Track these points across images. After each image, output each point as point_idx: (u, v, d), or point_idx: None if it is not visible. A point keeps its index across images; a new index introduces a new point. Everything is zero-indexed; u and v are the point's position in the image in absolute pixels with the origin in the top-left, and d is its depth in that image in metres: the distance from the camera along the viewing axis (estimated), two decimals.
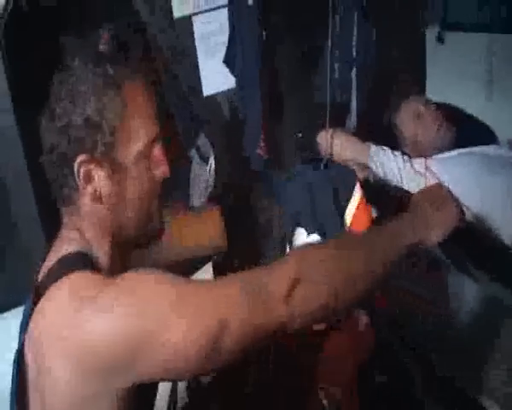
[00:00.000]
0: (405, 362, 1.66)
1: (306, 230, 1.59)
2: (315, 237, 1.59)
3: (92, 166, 1.02)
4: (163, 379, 1.05)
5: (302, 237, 1.64)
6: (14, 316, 1.10)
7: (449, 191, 1.31)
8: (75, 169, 1.01)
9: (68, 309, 0.92)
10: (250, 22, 1.78)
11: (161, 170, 1.09)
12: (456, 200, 1.30)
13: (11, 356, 1.02)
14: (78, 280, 0.96)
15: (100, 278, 0.97)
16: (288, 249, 1.63)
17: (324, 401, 1.40)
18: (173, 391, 1.51)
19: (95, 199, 1.03)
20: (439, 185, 1.36)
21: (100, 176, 1.02)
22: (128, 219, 1.07)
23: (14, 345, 1.01)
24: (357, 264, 1.09)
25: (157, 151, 1.08)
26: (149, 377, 0.95)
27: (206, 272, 1.69)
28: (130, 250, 1.14)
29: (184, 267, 1.46)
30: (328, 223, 1.61)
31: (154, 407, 1.16)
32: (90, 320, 0.90)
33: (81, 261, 1.00)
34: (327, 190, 1.64)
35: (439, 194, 1.30)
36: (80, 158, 1.00)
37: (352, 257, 1.10)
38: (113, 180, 1.03)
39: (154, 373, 0.94)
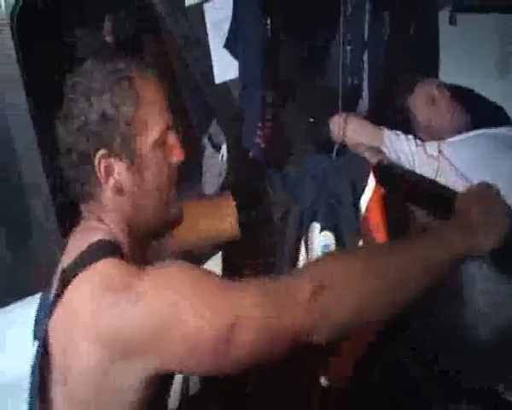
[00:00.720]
0: (405, 362, 1.65)
1: (321, 225, 1.55)
2: (325, 235, 1.54)
3: (112, 160, 1.06)
4: (181, 371, 1.08)
5: (315, 232, 1.60)
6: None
7: (498, 191, 1.17)
8: (96, 164, 1.05)
9: (97, 297, 0.96)
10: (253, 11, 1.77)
11: (176, 155, 1.12)
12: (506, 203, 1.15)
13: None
14: (107, 268, 0.99)
15: (129, 267, 1.00)
16: (302, 244, 1.59)
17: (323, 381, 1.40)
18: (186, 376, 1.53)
19: (117, 191, 1.07)
20: (487, 184, 1.19)
21: (120, 168, 1.06)
22: (148, 207, 1.10)
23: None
24: (391, 273, 1.02)
25: (171, 138, 1.12)
26: (167, 368, 0.98)
27: (215, 264, 1.69)
28: (150, 241, 1.17)
29: (193, 257, 1.47)
30: (345, 218, 1.57)
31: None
32: (118, 308, 0.94)
33: (109, 248, 1.03)
34: (344, 184, 1.59)
35: (487, 194, 1.16)
36: (100, 153, 1.05)
37: (384, 266, 1.03)
38: (133, 171, 1.07)
39: (172, 364, 0.98)
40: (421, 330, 1.59)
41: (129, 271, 0.99)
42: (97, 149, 1.05)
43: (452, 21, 2.09)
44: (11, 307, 1.15)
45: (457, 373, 1.51)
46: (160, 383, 1.00)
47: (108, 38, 2.20)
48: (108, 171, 1.06)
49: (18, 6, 1.50)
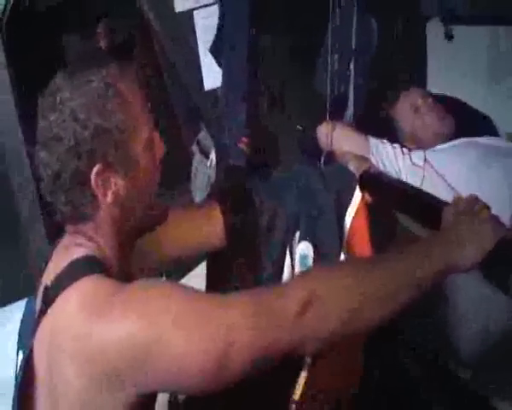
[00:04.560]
0: (405, 362, 1.65)
1: (301, 235, 1.50)
2: (304, 245, 1.52)
3: (109, 173, 1.01)
4: (168, 391, 1.06)
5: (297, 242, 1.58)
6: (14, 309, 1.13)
7: (486, 204, 1.14)
8: (92, 182, 1.00)
9: (79, 317, 0.94)
10: (239, 16, 1.79)
11: (160, 151, 1.11)
12: (495, 216, 1.13)
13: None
14: (88, 286, 0.97)
15: (109, 284, 0.98)
16: (287, 252, 1.58)
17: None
18: None
19: (114, 204, 1.04)
20: (476, 197, 1.16)
21: (116, 179, 1.03)
22: (139, 208, 1.08)
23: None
24: (378, 285, 1.02)
25: (156, 136, 1.10)
26: (153, 389, 0.98)
27: (199, 274, 1.68)
28: (134, 244, 1.14)
29: (178, 267, 1.46)
30: (327, 230, 1.55)
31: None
32: (98, 329, 0.92)
33: (90, 266, 1.01)
34: (328, 196, 1.57)
35: (476, 207, 1.13)
36: (96, 169, 1.00)
37: (371, 278, 1.03)
38: (128, 178, 1.04)
39: (158, 386, 0.97)
40: (422, 330, 1.59)
41: (108, 290, 0.96)
42: (92, 166, 0.99)
43: (448, 36, 2.11)
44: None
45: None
46: (145, 402, 0.98)
47: (102, 43, 2.22)
48: (106, 185, 1.01)
49: (7, 10, 1.50)
